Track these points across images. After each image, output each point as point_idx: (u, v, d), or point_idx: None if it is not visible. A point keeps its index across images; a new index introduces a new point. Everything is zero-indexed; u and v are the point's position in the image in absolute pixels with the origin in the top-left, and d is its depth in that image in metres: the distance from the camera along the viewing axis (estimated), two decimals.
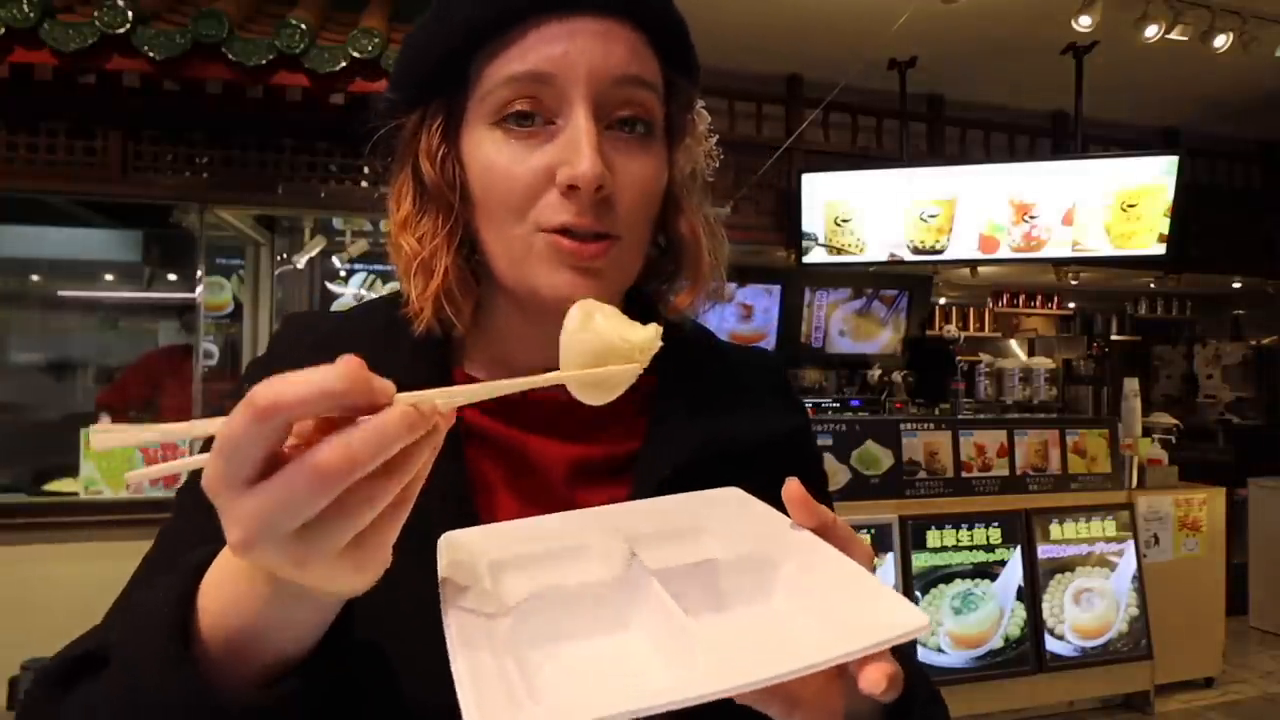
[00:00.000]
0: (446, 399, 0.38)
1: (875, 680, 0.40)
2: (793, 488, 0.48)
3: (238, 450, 0.34)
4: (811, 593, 0.45)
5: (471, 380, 0.65)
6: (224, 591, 0.42)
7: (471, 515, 0.57)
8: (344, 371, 0.34)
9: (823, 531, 0.48)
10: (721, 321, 5.57)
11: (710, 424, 0.65)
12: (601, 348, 0.45)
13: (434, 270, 0.60)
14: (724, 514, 0.54)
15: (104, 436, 0.35)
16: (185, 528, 0.58)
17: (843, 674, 0.41)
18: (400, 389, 0.60)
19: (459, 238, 0.61)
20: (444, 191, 0.60)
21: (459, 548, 0.50)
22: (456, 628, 0.41)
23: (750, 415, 0.68)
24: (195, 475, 0.64)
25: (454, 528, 0.53)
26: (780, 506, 0.52)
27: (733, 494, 0.55)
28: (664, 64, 0.61)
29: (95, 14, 2.70)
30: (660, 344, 0.47)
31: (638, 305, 0.68)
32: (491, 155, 0.58)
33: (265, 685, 0.43)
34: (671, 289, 0.68)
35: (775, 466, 0.60)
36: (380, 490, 0.36)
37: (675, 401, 0.66)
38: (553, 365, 0.64)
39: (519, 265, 0.59)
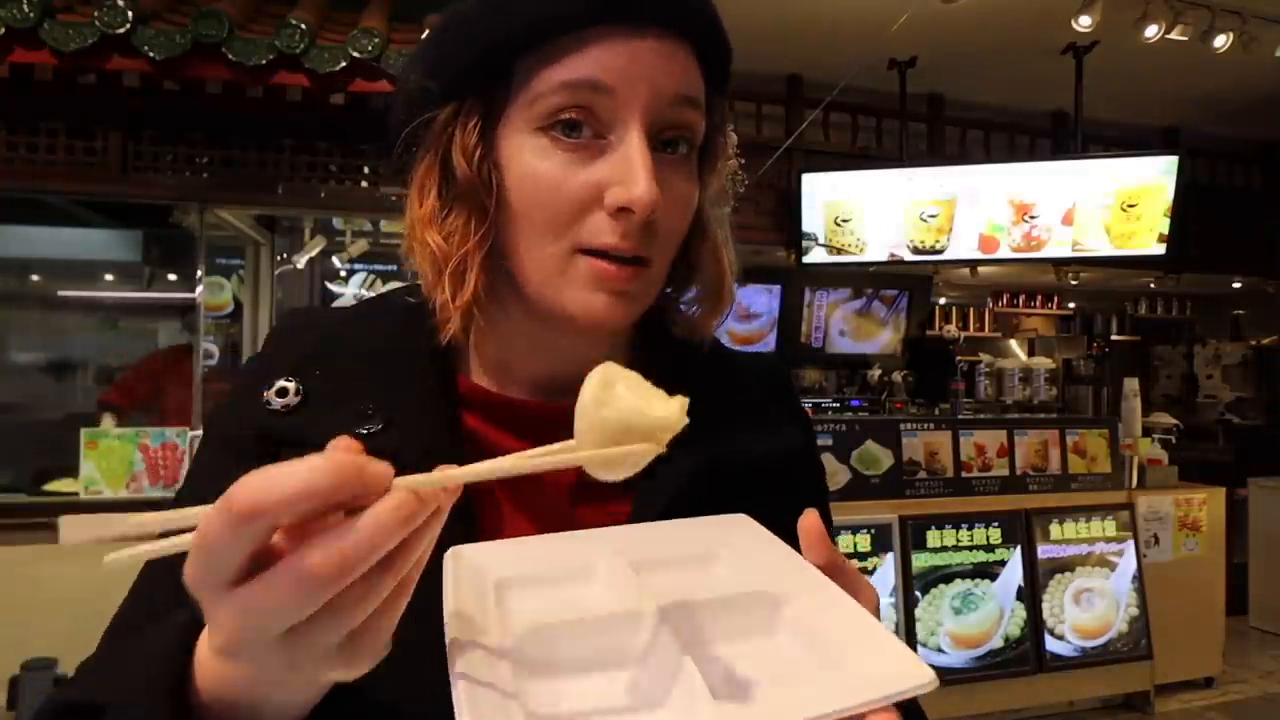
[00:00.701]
0: (450, 479, 0.36)
1: None
2: (809, 521, 0.47)
3: (215, 553, 0.32)
4: (818, 636, 0.44)
5: (476, 388, 0.63)
6: (216, 660, 0.41)
7: (475, 531, 0.57)
8: (331, 467, 0.32)
9: (831, 570, 0.47)
10: (722, 321, 5.56)
11: (714, 441, 0.63)
12: (619, 427, 0.42)
13: (466, 279, 0.57)
14: (734, 543, 0.53)
15: (74, 529, 0.33)
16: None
17: None
18: (402, 399, 0.60)
19: (491, 244, 0.58)
20: (478, 192, 0.56)
21: (465, 563, 0.49)
22: (460, 654, 0.41)
23: (754, 430, 0.67)
24: (187, 488, 0.63)
25: (458, 543, 0.52)
26: (783, 525, 0.51)
27: (742, 521, 0.54)
28: (707, 84, 0.60)
29: (95, 14, 2.70)
30: (686, 420, 0.43)
31: (651, 320, 0.66)
32: (534, 164, 0.55)
33: None
34: (686, 306, 0.66)
35: (778, 484, 0.59)
36: (375, 588, 0.34)
37: None
38: (557, 375, 0.63)
39: (551, 282, 0.56)
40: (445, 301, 0.57)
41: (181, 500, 0.61)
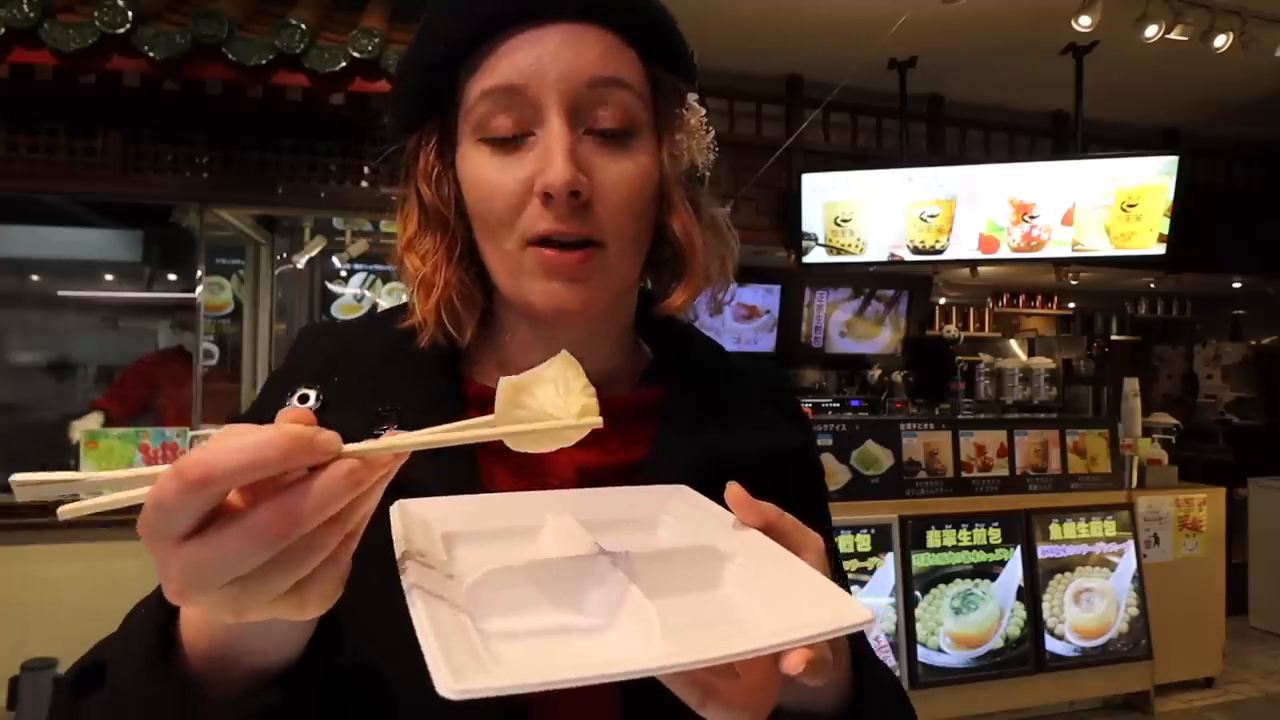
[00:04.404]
0: (395, 446, 0.38)
1: (794, 663, 0.41)
2: (734, 492, 0.49)
3: (167, 513, 0.33)
4: (758, 586, 0.46)
5: (485, 389, 0.65)
6: (196, 609, 0.43)
7: None
8: (281, 439, 0.33)
9: (768, 529, 0.49)
10: (723, 321, 5.57)
11: (715, 436, 0.65)
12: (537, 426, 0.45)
13: (435, 284, 0.61)
14: (674, 508, 0.55)
15: (26, 490, 0.34)
16: None
17: (781, 676, 0.42)
18: (415, 401, 0.61)
19: (459, 252, 0.62)
20: (441, 210, 0.61)
21: (412, 517, 0.50)
22: (417, 591, 0.41)
23: (755, 429, 0.68)
24: None
25: None
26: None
27: (682, 490, 0.57)
28: (647, 61, 0.61)
29: (95, 14, 2.70)
30: (599, 421, 0.45)
31: (644, 305, 0.69)
32: (478, 170, 0.58)
33: (248, 695, 0.44)
34: (668, 286, 0.67)
35: (775, 479, 0.60)
36: (321, 541, 0.35)
37: (682, 412, 0.66)
38: None
39: (513, 279, 0.59)
40: (419, 308, 0.62)
41: None
